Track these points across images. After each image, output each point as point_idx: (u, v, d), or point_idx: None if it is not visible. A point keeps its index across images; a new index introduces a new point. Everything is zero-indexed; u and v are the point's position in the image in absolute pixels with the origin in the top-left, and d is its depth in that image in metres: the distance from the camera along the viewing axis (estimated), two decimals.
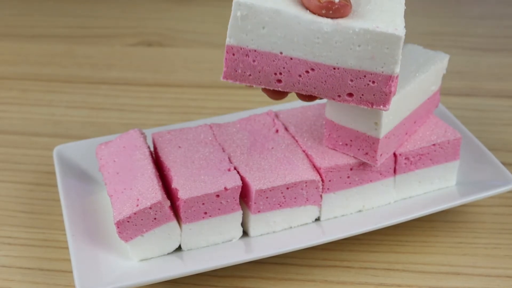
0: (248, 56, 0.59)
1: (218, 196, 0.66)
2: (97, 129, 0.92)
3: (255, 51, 0.59)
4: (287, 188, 0.67)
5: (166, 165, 0.69)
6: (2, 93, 1.00)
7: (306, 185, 0.68)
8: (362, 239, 0.73)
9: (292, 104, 0.85)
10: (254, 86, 0.61)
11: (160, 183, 0.67)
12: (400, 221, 0.69)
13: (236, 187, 0.66)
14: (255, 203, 0.67)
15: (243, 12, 0.57)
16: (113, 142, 0.74)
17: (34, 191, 0.81)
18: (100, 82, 1.03)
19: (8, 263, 0.71)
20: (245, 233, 0.70)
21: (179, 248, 0.68)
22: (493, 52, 1.10)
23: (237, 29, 0.58)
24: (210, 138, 0.73)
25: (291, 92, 0.62)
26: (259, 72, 0.60)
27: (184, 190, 0.65)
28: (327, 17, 0.57)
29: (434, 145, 0.72)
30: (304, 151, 0.71)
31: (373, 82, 0.59)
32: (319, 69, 0.59)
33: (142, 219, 0.64)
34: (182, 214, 0.65)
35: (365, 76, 0.58)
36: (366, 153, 0.68)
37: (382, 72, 0.58)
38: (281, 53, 0.58)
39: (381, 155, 0.68)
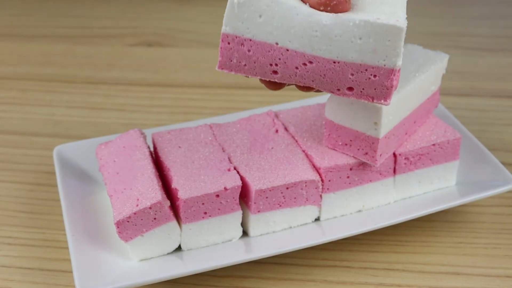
0: (243, 46, 0.58)
1: (218, 196, 0.66)
2: (97, 129, 0.92)
3: (250, 40, 0.58)
4: (287, 188, 0.67)
5: (166, 165, 0.69)
6: (2, 93, 1.00)
7: (306, 185, 0.68)
8: (361, 239, 0.73)
9: (292, 104, 0.85)
10: (249, 76, 0.60)
11: (160, 183, 0.67)
12: (399, 221, 0.69)
13: (236, 187, 0.66)
14: (255, 203, 0.67)
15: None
16: (113, 142, 0.74)
17: (34, 191, 0.81)
18: (100, 82, 1.03)
19: (8, 263, 0.71)
20: (245, 233, 0.70)
21: (179, 248, 0.68)
22: (493, 52, 1.10)
23: (233, 16, 0.57)
24: (210, 138, 0.73)
25: (290, 84, 0.61)
26: (255, 62, 0.59)
27: (184, 190, 0.65)
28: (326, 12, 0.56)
29: (434, 145, 0.72)
30: (304, 151, 0.71)
31: (375, 76, 0.57)
32: (318, 62, 0.58)
33: (142, 219, 0.64)
34: (182, 214, 0.66)
35: (366, 70, 0.57)
36: (366, 153, 0.68)
37: (384, 65, 0.57)
38: (276, 43, 0.57)
39: (380, 155, 0.68)
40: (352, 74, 0.58)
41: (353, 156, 0.69)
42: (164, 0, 1.28)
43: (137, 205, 0.64)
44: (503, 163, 0.77)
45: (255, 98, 0.98)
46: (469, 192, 0.72)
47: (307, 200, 0.69)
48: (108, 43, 1.14)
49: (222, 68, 0.60)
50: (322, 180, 0.69)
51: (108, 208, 0.72)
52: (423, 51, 0.73)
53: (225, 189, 0.66)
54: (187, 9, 1.26)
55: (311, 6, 0.56)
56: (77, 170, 0.77)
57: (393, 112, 0.66)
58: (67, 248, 0.71)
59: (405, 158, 0.71)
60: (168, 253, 0.67)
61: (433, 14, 1.23)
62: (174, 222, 0.66)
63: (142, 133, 0.74)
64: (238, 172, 0.68)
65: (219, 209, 0.66)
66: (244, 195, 0.68)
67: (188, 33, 1.18)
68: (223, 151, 0.71)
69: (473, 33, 1.17)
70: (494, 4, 1.26)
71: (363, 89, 0.58)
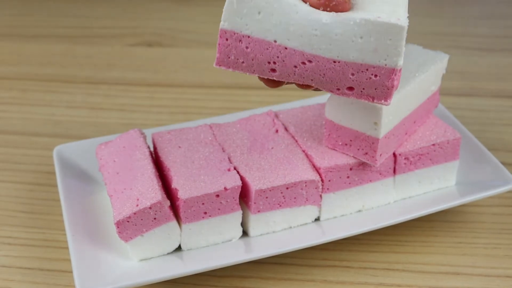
0: (242, 42, 0.57)
1: (218, 196, 0.66)
2: (97, 129, 0.92)
3: (248, 37, 0.57)
4: (287, 188, 0.67)
5: (166, 165, 0.69)
6: (2, 93, 1.00)
7: (305, 185, 0.68)
8: (361, 239, 0.73)
9: (292, 104, 0.85)
10: (248, 74, 0.59)
11: (160, 183, 0.67)
12: (399, 221, 0.69)
13: (236, 187, 0.66)
14: (255, 203, 0.67)
15: None
16: (113, 142, 0.74)
17: (34, 191, 0.81)
18: (100, 82, 1.03)
19: (8, 263, 0.71)
20: (245, 233, 0.70)
21: (179, 248, 0.68)
22: (493, 52, 1.10)
23: (232, 12, 0.56)
24: (210, 138, 0.73)
25: (289, 82, 0.60)
26: (252, 60, 0.58)
27: (184, 190, 0.65)
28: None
29: (433, 145, 0.72)
30: (304, 151, 0.71)
31: (376, 75, 0.57)
32: (317, 61, 0.57)
33: (142, 219, 0.64)
34: (182, 214, 0.66)
35: (367, 69, 0.57)
36: (366, 153, 0.68)
37: (385, 65, 0.56)
38: (275, 41, 0.57)
39: (380, 155, 0.68)
40: (353, 74, 0.57)
41: (353, 156, 0.69)
42: (164, 0, 1.28)
43: (137, 205, 0.64)
44: (503, 163, 0.77)
45: (255, 98, 0.98)
46: (469, 192, 0.72)
47: (307, 200, 0.69)
48: (108, 43, 1.14)
49: (219, 65, 0.59)
50: (322, 180, 0.69)
51: (108, 208, 0.72)
52: (423, 51, 0.73)
53: (225, 189, 0.66)
54: (187, 9, 1.26)
55: (311, 6, 0.56)
56: (77, 170, 0.77)
57: (393, 112, 0.66)
58: (67, 248, 0.71)
59: (405, 158, 0.71)
60: (168, 253, 0.68)
61: (433, 14, 1.23)
62: (174, 222, 0.66)
63: (142, 133, 0.74)
64: (238, 172, 0.68)
65: (219, 209, 0.66)
66: (244, 195, 0.68)
67: (188, 33, 1.18)
68: (223, 151, 0.71)
69: (473, 33, 1.17)
70: (494, 4, 1.26)
71: (363, 89, 0.58)
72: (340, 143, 0.69)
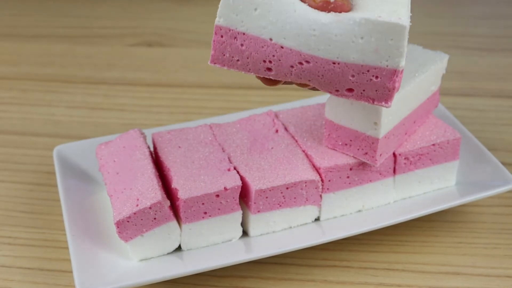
0: (237, 39, 0.56)
1: (218, 196, 0.66)
2: (97, 129, 0.92)
3: (243, 34, 0.56)
4: (287, 188, 0.67)
5: (166, 165, 0.69)
6: (2, 93, 1.00)
7: (305, 185, 0.68)
8: (361, 239, 0.73)
9: (292, 104, 0.85)
10: (243, 72, 0.58)
11: (160, 183, 0.67)
12: (399, 221, 0.69)
13: (236, 187, 0.66)
14: (255, 203, 0.67)
15: None
16: (113, 142, 0.74)
17: (34, 191, 0.81)
18: (100, 82, 1.03)
19: (8, 263, 0.71)
20: (245, 233, 0.70)
21: (179, 248, 0.68)
22: (493, 52, 1.10)
23: (228, 8, 0.55)
24: (210, 138, 0.73)
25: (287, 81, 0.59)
26: (247, 58, 0.57)
27: (184, 190, 0.65)
28: None
29: (433, 145, 0.72)
30: (304, 151, 0.71)
31: (377, 77, 0.55)
32: (316, 62, 0.56)
33: (142, 219, 0.64)
34: (182, 214, 0.66)
35: (368, 70, 0.55)
36: (366, 153, 0.68)
37: (387, 66, 0.55)
38: (270, 39, 0.56)
39: (380, 155, 0.68)
40: (353, 76, 0.56)
41: (353, 156, 0.69)
42: (164, 0, 1.28)
43: (137, 205, 0.64)
44: (503, 163, 0.77)
45: (255, 98, 0.98)
46: (469, 192, 0.72)
47: (307, 200, 0.69)
48: (108, 43, 1.14)
49: (214, 63, 0.58)
50: (322, 180, 0.69)
51: (108, 208, 0.72)
52: (423, 51, 0.73)
53: (225, 189, 0.66)
54: (187, 9, 1.26)
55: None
56: (77, 170, 0.77)
57: (393, 112, 0.66)
58: (67, 248, 0.71)
59: (405, 158, 0.71)
60: (168, 253, 0.68)
61: (433, 14, 1.23)
62: (174, 222, 0.66)
63: (142, 133, 0.74)
64: (238, 172, 0.68)
65: (219, 209, 0.66)
66: (244, 195, 0.68)
67: (188, 33, 1.18)
68: (223, 151, 0.71)
69: (473, 33, 1.17)
70: (494, 4, 1.26)
71: (363, 90, 0.57)
72: (340, 143, 0.69)
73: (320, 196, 0.69)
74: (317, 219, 0.71)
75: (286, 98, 0.94)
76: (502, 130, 0.91)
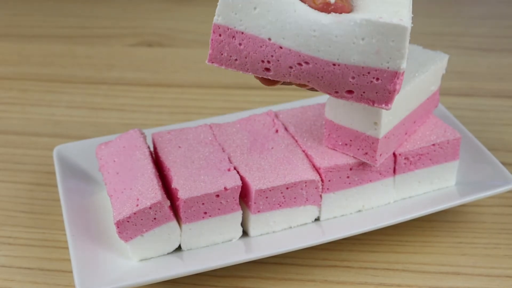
0: (235, 39, 0.56)
1: (218, 196, 0.66)
2: (97, 129, 0.92)
3: (242, 33, 0.55)
4: (287, 188, 0.67)
5: (166, 165, 0.69)
6: (2, 93, 1.00)
7: (305, 185, 0.68)
8: (362, 239, 0.73)
9: (292, 104, 0.85)
10: (242, 72, 0.57)
11: (160, 183, 0.67)
12: (400, 221, 0.69)
13: (236, 187, 0.66)
14: (255, 203, 0.67)
15: None
16: (113, 142, 0.74)
17: (34, 191, 0.81)
18: (100, 82, 1.03)
19: (8, 263, 0.71)
20: (245, 233, 0.70)
21: (179, 248, 0.68)
22: (493, 52, 1.10)
23: (227, 6, 0.55)
24: (210, 138, 0.73)
25: (285, 82, 0.58)
26: (246, 57, 0.56)
27: (184, 190, 0.65)
28: None
29: (433, 145, 0.72)
30: (304, 151, 0.71)
31: (377, 79, 0.55)
32: (315, 63, 0.55)
33: (142, 219, 0.64)
34: (182, 214, 0.66)
35: (369, 72, 0.54)
36: (366, 153, 0.68)
37: (388, 68, 0.54)
38: (269, 39, 0.55)
39: (380, 155, 0.68)
40: (353, 77, 0.55)
41: (353, 156, 0.69)
42: (164, 0, 1.28)
43: (137, 205, 0.64)
44: (503, 163, 0.77)
45: (255, 98, 0.98)
46: (469, 192, 0.72)
47: (307, 200, 0.69)
48: (108, 43, 1.14)
49: (212, 62, 0.57)
50: (322, 180, 0.69)
51: (108, 208, 0.72)
52: (423, 51, 0.73)
53: (225, 189, 0.66)
54: (187, 9, 1.26)
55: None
56: (77, 170, 0.77)
57: (393, 112, 0.66)
58: (67, 248, 0.71)
59: (405, 158, 0.71)
60: (168, 253, 0.67)
61: (433, 14, 1.23)
62: (174, 222, 0.66)
63: (142, 133, 0.74)
64: (238, 172, 0.68)
65: (219, 209, 0.66)
66: (244, 195, 0.68)
67: (188, 33, 1.18)
68: (223, 151, 0.71)
69: (473, 33, 1.17)
70: (494, 4, 1.26)
71: (363, 92, 0.56)
72: (340, 143, 0.69)
73: (320, 196, 0.69)
74: (317, 219, 0.71)
75: (286, 98, 0.94)
76: (502, 130, 0.91)
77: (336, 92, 0.57)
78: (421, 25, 1.18)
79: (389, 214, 0.71)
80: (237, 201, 0.67)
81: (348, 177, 0.69)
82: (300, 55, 0.55)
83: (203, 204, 0.65)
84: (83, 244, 0.67)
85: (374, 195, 0.72)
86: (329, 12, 0.54)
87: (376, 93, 0.56)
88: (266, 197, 0.67)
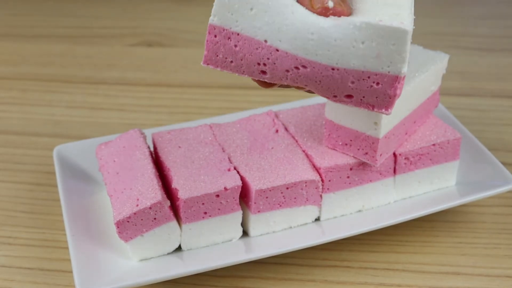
0: (230, 40, 0.54)
1: (218, 196, 0.66)
2: (97, 129, 0.92)
3: (238, 34, 0.54)
4: (287, 188, 0.67)
5: (166, 165, 0.69)
6: (2, 93, 1.00)
7: (306, 185, 0.68)
8: (362, 239, 0.73)
9: (292, 104, 0.85)
10: (237, 75, 0.56)
11: (160, 183, 0.67)
12: (400, 221, 0.69)
13: (236, 187, 0.66)
14: (255, 203, 0.67)
15: None
16: (113, 142, 0.74)
17: (34, 191, 0.81)
18: (100, 82, 1.03)
19: (8, 263, 0.71)
20: (245, 233, 0.70)
21: (179, 248, 0.68)
22: (493, 52, 1.10)
23: (223, 6, 0.54)
24: (210, 138, 0.73)
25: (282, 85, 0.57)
26: (241, 60, 0.55)
27: (184, 190, 0.65)
28: None
29: (434, 145, 0.72)
30: (304, 151, 0.71)
31: (378, 83, 0.53)
32: (313, 67, 0.54)
33: (142, 219, 0.64)
34: (182, 214, 0.66)
35: (369, 77, 0.53)
36: (366, 153, 0.68)
37: (388, 72, 0.53)
38: (265, 41, 0.54)
39: (380, 155, 0.68)
40: (353, 82, 0.54)
41: (353, 156, 0.69)
42: (164, 0, 1.28)
43: (137, 205, 0.64)
44: (503, 163, 0.77)
45: (255, 98, 0.98)
46: (469, 192, 0.72)
47: (307, 200, 0.69)
48: (108, 43, 1.14)
49: (207, 63, 0.56)
50: (322, 180, 0.69)
51: (108, 208, 0.72)
52: (423, 51, 0.73)
53: (225, 189, 0.66)
54: (187, 9, 1.26)
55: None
56: (77, 170, 0.77)
57: (393, 112, 0.66)
58: (67, 248, 0.71)
59: (405, 158, 0.71)
60: (168, 253, 0.67)
61: (433, 14, 1.23)
62: (174, 222, 0.66)
63: (142, 133, 0.74)
64: (238, 172, 0.68)
65: (219, 209, 0.66)
66: (244, 195, 0.68)
67: (188, 33, 1.18)
68: (223, 151, 0.71)
69: (473, 33, 1.17)
70: (494, 4, 1.26)
71: (363, 97, 0.55)
72: (340, 143, 0.69)
73: (320, 196, 0.69)
74: (317, 219, 0.71)
75: (286, 98, 0.94)
76: (502, 130, 0.91)
77: (335, 96, 0.56)
78: (421, 25, 1.17)
79: (389, 214, 0.71)
80: (237, 201, 0.67)
81: (348, 177, 0.69)
82: (297, 59, 0.54)
83: (203, 204, 0.65)
84: (83, 244, 0.67)
85: (374, 195, 0.72)
86: (327, 16, 0.53)
87: (376, 97, 0.55)
88: (266, 197, 0.67)
